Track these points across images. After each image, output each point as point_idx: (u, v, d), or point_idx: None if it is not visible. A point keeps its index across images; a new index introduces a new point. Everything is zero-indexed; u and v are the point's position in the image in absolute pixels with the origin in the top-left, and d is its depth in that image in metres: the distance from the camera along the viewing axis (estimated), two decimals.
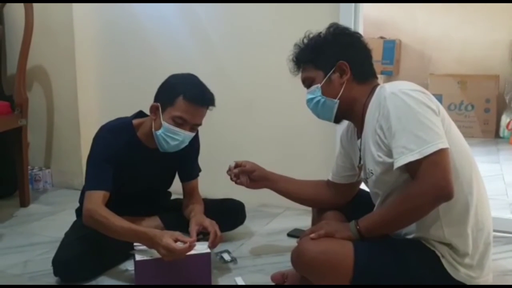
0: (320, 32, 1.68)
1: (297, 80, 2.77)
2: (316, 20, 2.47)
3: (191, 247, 1.75)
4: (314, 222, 1.95)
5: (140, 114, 2.09)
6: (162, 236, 1.73)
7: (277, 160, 2.78)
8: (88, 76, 3.17)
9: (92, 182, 1.93)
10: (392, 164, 1.44)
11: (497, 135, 4.76)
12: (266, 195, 2.87)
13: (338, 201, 1.88)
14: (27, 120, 2.85)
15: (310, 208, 2.03)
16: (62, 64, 3.14)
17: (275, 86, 2.74)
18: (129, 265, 1.95)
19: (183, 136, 1.91)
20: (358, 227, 1.52)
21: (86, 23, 3.11)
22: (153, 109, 1.94)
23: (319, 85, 1.64)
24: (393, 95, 1.45)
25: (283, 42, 2.65)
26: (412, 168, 1.41)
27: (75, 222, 2.13)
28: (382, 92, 1.49)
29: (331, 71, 1.62)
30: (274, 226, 2.49)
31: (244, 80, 2.83)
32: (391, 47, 5.00)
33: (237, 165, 1.96)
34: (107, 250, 1.92)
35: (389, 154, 1.46)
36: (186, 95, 1.87)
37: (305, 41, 1.70)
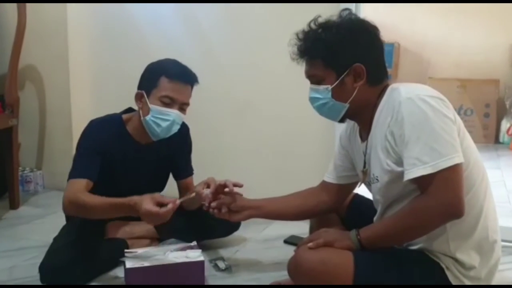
0: (334, 22, 1.51)
1: (296, 84, 2.73)
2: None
3: (174, 207, 1.64)
4: (312, 229, 1.89)
5: (129, 110, 2.07)
6: (141, 203, 1.62)
7: (273, 164, 2.76)
8: (82, 77, 3.12)
9: (75, 171, 1.88)
10: (400, 173, 1.38)
11: (497, 140, 4.72)
12: None
13: (331, 205, 1.79)
14: (18, 120, 2.80)
15: None
16: (55, 64, 3.10)
17: (272, 88, 2.69)
18: (119, 272, 1.88)
19: (174, 116, 1.88)
20: (359, 236, 1.46)
21: (80, 23, 3.07)
22: (138, 96, 1.93)
23: (329, 87, 1.52)
24: (409, 100, 1.37)
25: (281, 43, 2.63)
26: (423, 181, 1.34)
27: (64, 227, 2.07)
28: (396, 95, 1.41)
29: (345, 73, 1.50)
30: (271, 232, 2.42)
31: (241, 82, 2.78)
32: (390, 51, 4.95)
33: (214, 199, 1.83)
34: (97, 257, 1.87)
35: (399, 162, 1.39)
36: (168, 73, 1.87)
37: (313, 26, 1.52)
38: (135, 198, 1.67)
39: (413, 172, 1.33)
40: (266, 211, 1.81)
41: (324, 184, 1.82)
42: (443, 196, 1.32)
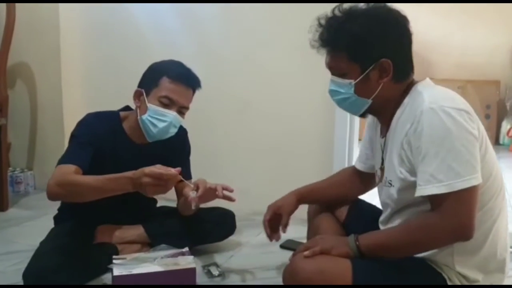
0: (361, 11, 1.39)
1: (295, 83, 2.67)
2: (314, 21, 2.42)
3: (177, 175, 1.55)
4: (309, 232, 1.83)
5: (127, 108, 2.02)
6: (143, 169, 1.54)
7: (272, 164, 2.73)
8: (74, 75, 3.07)
9: (65, 157, 1.78)
10: (413, 183, 1.30)
11: (497, 142, 4.66)
12: (258, 202, 2.75)
13: (365, 190, 1.77)
14: (7, 119, 2.75)
15: (305, 217, 1.90)
16: (47, 62, 3.06)
17: (272, 88, 2.66)
18: (107, 280, 1.80)
19: (171, 118, 1.82)
20: (357, 243, 1.38)
21: (73, 19, 3.02)
22: (137, 94, 1.87)
23: (353, 82, 1.42)
24: (431, 111, 1.27)
25: (280, 42, 2.60)
26: (435, 199, 1.26)
27: (52, 230, 2.00)
28: (419, 102, 1.32)
29: (370, 68, 1.39)
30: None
31: (240, 81, 2.74)
32: None
33: (270, 218, 1.75)
34: (85, 263, 1.78)
35: (412, 171, 1.32)
36: (170, 74, 1.83)
37: (338, 13, 1.40)
38: (133, 171, 1.58)
39: (426, 189, 1.26)
40: (309, 200, 1.83)
41: (355, 170, 1.77)
42: (454, 217, 1.24)
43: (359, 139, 2.65)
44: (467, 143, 1.24)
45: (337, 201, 1.81)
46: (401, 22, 1.40)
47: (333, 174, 1.88)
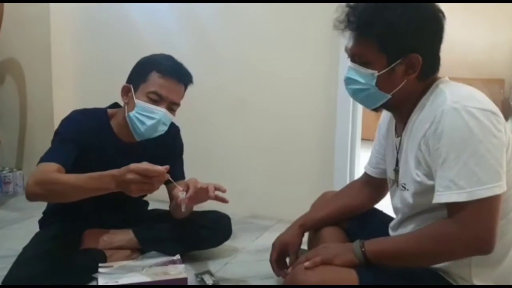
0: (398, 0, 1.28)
1: (294, 81, 2.58)
2: (314, 18, 2.38)
3: (165, 172, 1.44)
4: (310, 239, 1.72)
5: (115, 105, 1.94)
6: (127, 166, 1.43)
7: (270, 163, 2.66)
8: (65, 73, 3.01)
9: (47, 156, 1.67)
10: (430, 187, 1.20)
11: None
12: (256, 204, 2.65)
13: (378, 198, 1.66)
14: None
15: None
16: (36, 58, 3.00)
17: (269, 86, 2.60)
18: None
19: (160, 115, 1.72)
20: (363, 249, 1.28)
21: (63, 14, 2.96)
22: (125, 90, 1.79)
23: (376, 73, 1.31)
24: (454, 111, 1.17)
25: (278, 40, 2.52)
26: (454, 206, 1.16)
27: (36, 235, 1.89)
28: (440, 101, 1.22)
29: (398, 61, 1.28)
30: (264, 241, 2.22)
31: (237, 79, 2.67)
32: None
33: (277, 258, 1.67)
34: (68, 270, 1.68)
35: (429, 174, 1.22)
36: (160, 68, 1.75)
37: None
38: (118, 169, 1.46)
39: (445, 196, 1.16)
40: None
41: (364, 179, 1.67)
42: (474, 228, 1.14)
43: (362, 138, 2.56)
44: (492, 147, 1.14)
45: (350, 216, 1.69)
46: (439, 18, 1.31)
47: (341, 188, 1.76)
